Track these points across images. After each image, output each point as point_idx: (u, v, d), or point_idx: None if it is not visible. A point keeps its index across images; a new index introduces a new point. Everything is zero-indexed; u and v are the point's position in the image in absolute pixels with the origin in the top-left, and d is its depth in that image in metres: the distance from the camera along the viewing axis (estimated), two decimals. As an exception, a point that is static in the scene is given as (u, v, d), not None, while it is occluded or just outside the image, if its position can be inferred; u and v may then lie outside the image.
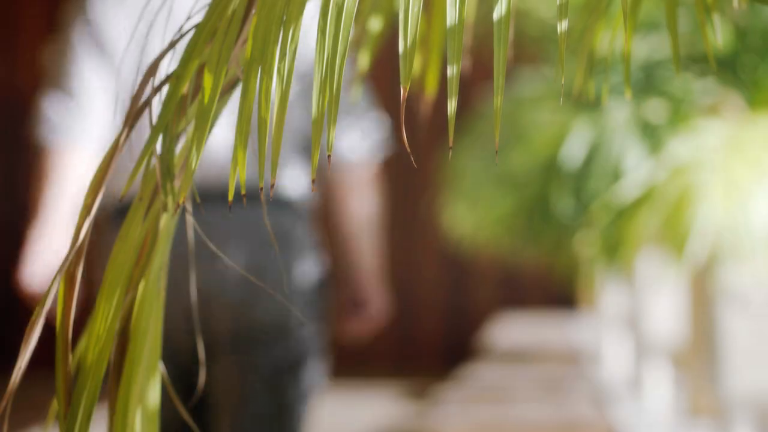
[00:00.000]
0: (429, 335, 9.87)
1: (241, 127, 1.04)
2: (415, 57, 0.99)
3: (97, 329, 1.14)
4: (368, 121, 3.15)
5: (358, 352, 10.42)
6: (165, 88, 1.15)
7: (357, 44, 1.42)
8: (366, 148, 3.14)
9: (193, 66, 1.13)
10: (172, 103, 1.13)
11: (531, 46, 3.56)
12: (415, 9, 1.00)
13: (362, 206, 3.19)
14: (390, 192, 10.72)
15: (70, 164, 3.04)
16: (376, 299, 3.26)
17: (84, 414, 1.14)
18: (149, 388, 1.21)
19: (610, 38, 1.24)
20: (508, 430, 3.64)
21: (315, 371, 3.12)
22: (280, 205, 3.04)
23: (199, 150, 1.06)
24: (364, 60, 1.43)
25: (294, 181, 3.07)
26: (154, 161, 1.15)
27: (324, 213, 3.37)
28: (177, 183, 1.14)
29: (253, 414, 3.04)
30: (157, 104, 1.16)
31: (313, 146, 1.00)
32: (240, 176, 1.02)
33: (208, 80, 1.08)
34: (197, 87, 1.16)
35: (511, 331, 7.58)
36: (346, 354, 10.69)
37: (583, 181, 2.77)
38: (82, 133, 3.08)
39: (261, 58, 1.04)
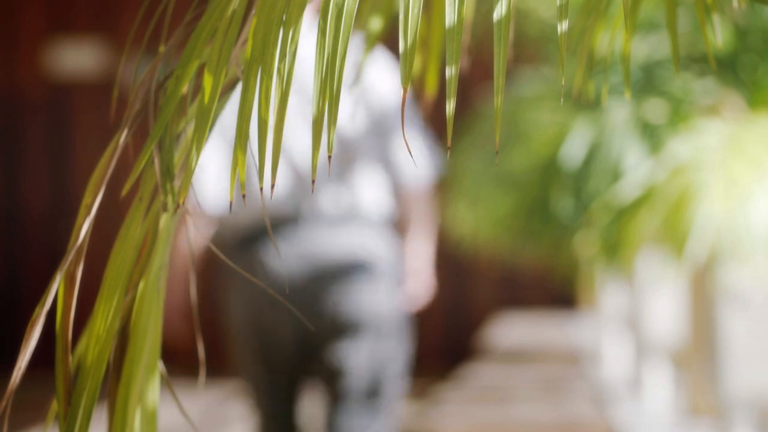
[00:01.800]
0: (429, 335, 9.88)
1: (241, 129, 1.04)
2: (415, 57, 0.99)
3: (97, 329, 1.14)
4: (422, 138, 3.35)
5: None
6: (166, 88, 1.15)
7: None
8: (423, 163, 3.32)
9: (193, 66, 1.13)
10: (172, 103, 1.13)
11: (531, 46, 3.56)
12: (415, 10, 1.00)
13: (421, 212, 3.39)
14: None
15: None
16: (422, 280, 3.41)
17: (84, 414, 1.14)
18: (148, 388, 1.22)
19: (610, 38, 1.24)
20: (508, 430, 3.64)
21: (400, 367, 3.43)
22: (362, 223, 3.30)
23: (199, 150, 1.06)
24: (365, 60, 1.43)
25: (374, 199, 3.25)
26: (155, 161, 1.15)
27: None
28: (177, 183, 1.15)
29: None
30: (157, 104, 1.16)
31: (313, 147, 1.01)
32: (240, 177, 1.02)
33: (208, 80, 1.08)
34: (197, 87, 1.16)
35: (511, 331, 7.59)
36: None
37: (583, 181, 2.77)
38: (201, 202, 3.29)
39: (261, 58, 1.04)
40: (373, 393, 3.39)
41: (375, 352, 3.34)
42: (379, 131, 3.33)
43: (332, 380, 3.37)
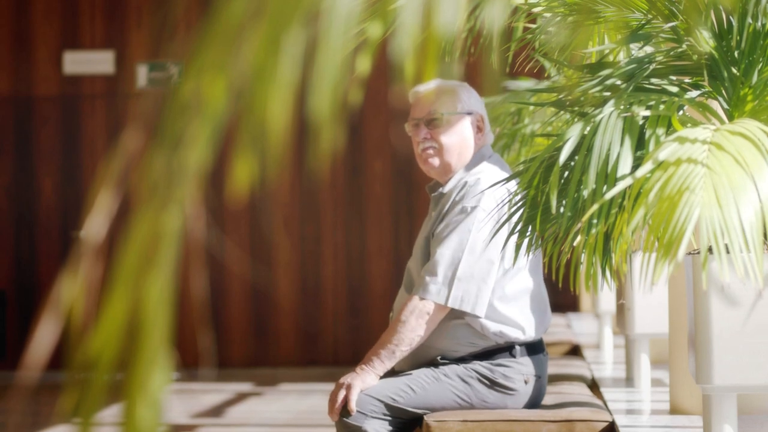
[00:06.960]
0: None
1: (243, 131, 1.06)
2: (412, 59, 1.02)
3: (108, 323, 1.17)
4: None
5: (357, 350, 10.44)
6: (173, 91, 1.17)
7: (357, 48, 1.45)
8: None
9: (199, 70, 1.15)
10: (178, 106, 1.15)
11: (528, 49, 3.60)
12: (413, 15, 1.03)
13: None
14: (391, 191, 10.75)
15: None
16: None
17: (94, 405, 1.17)
18: (152, 378, 1.24)
19: (602, 42, 1.28)
20: (507, 430, 3.67)
21: None
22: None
23: (200, 150, 1.08)
24: (364, 64, 1.46)
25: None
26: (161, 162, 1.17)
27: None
28: (183, 182, 1.16)
29: None
30: (167, 105, 1.18)
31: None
32: (242, 178, 1.04)
33: (212, 83, 1.10)
34: (202, 90, 1.18)
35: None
36: (345, 352, 10.72)
37: (578, 181, 2.80)
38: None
39: (265, 63, 1.07)
40: None
41: None
42: None
43: None
